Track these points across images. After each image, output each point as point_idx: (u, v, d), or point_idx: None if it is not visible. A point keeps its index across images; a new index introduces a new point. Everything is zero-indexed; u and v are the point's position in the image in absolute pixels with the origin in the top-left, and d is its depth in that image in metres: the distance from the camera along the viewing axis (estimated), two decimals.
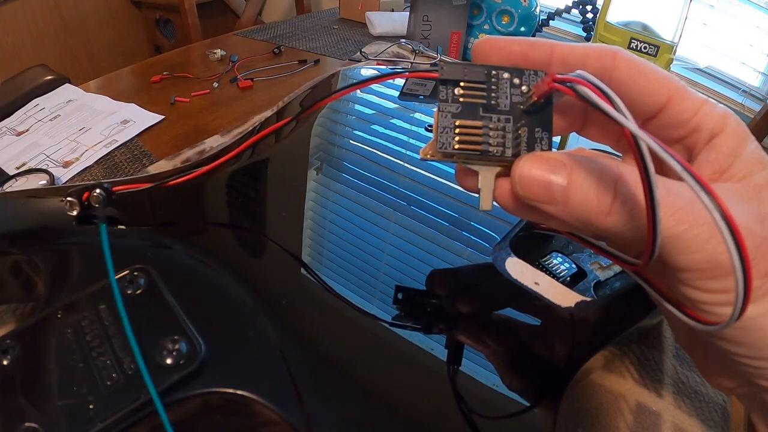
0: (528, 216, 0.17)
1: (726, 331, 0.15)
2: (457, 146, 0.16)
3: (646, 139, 0.13)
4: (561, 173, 0.15)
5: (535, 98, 0.16)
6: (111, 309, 0.21)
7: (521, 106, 0.16)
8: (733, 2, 0.87)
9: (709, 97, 0.17)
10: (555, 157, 0.15)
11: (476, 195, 0.17)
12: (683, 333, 0.20)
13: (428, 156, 0.17)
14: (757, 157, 0.16)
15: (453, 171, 0.18)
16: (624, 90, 0.17)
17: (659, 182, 0.13)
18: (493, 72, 0.17)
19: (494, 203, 0.17)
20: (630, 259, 0.16)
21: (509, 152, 0.16)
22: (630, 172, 0.15)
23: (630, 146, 0.13)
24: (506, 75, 0.17)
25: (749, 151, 0.16)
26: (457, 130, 0.16)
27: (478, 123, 0.16)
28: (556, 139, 0.17)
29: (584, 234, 0.20)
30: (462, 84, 0.16)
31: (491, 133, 0.16)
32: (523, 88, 0.16)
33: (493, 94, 0.16)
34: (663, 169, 0.14)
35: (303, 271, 0.27)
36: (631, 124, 0.13)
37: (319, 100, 0.23)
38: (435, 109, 0.17)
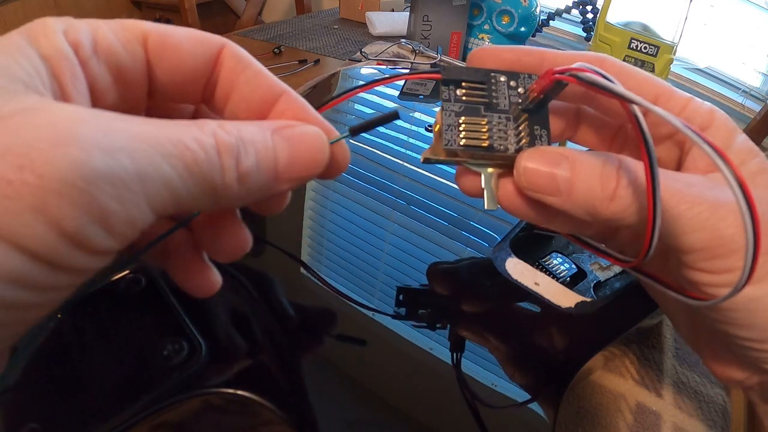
0: (531, 215, 0.17)
1: (734, 314, 0.15)
2: (462, 142, 0.16)
3: (655, 109, 0.13)
4: (564, 165, 0.15)
5: (536, 94, 0.16)
6: (109, 309, 0.21)
7: (520, 106, 0.17)
8: (733, 2, 0.87)
9: (710, 97, 0.17)
10: (557, 150, 0.16)
11: (478, 197, 0.17)
12: (688, 329, 0.20)
13: (431, 157, 0.17)
14: (748, 147, 0.17)
15: (454, 171, 0.18)
16: None
17: (659, 170, 0.13)
18: (491, 74, 0.17)
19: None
20: (627, 258, 0.17)
21: (512, 148, 0.17)
22: (631, 161, 0.15)
23: (629, 120, 0.13)
24: (503, 78, 0.17)
25: (739, 142, 0.17)
26: (462, 127, 0.16)
27: (482, 120, 0.17)
28: None
29: (587, 228, 0.20)
30: (464, 84, 0.17)
31: (494, 130, 0.17)
32: (520, 89, 0.17)
33: (493, 95, 0.17)
34: (661, 163, 0.14)
35: (303, 270, 0.27)
36: (638, 98, 0.13)
37: (334, 98, 0.22)
38: (437, 110, 0.17)
